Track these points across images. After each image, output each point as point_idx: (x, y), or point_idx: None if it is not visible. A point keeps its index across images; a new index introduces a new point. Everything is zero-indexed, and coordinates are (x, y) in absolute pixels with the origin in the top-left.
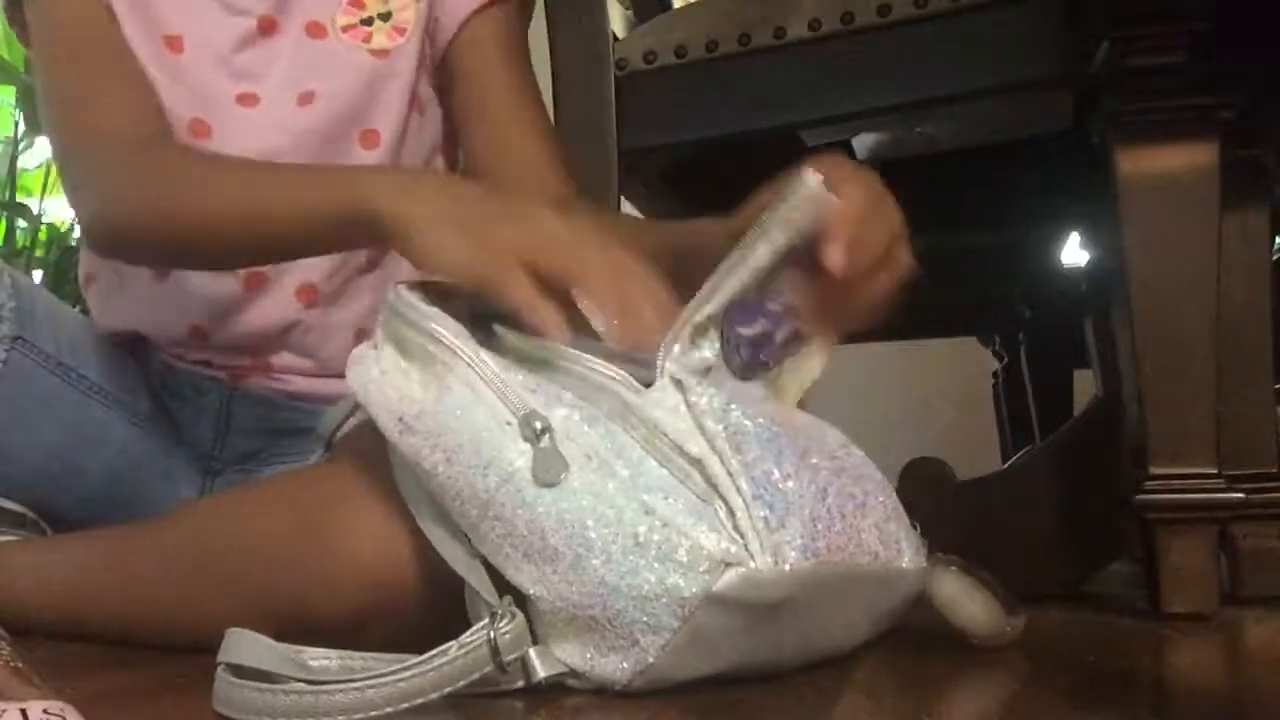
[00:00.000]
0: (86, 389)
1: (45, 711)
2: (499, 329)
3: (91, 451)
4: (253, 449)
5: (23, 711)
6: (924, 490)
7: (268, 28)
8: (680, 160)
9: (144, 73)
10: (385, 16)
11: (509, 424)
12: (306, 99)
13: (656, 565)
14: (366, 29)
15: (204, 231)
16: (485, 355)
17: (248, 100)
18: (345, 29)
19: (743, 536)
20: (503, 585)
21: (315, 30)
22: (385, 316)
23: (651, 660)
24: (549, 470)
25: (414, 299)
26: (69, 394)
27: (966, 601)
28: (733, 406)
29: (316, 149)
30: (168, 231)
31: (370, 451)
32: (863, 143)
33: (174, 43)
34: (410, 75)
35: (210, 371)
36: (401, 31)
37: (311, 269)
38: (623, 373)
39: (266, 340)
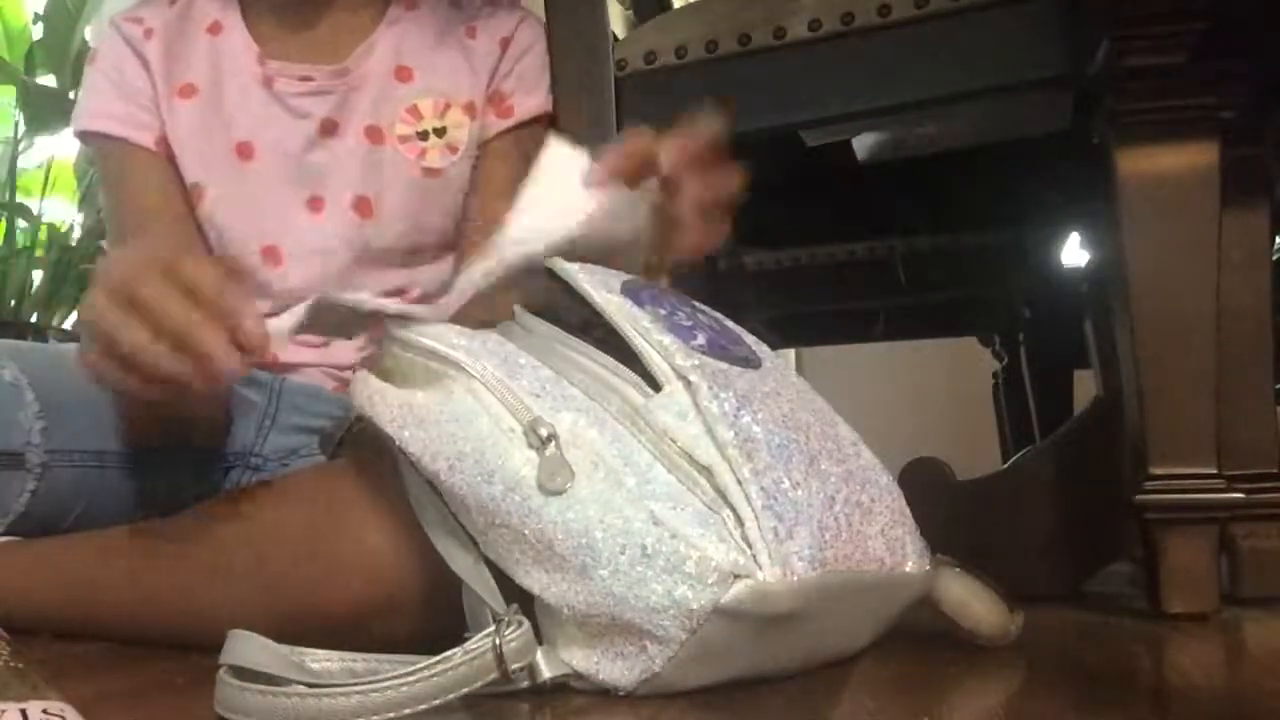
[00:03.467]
0: (125, 463)
1: (45, 712)
2: (519, 315)
3: (136, 512)
4: (294, 445)
5: (23, 712)
6: (924, 490)
7: (329, 129)
8: None
9: (196, 245)
10: (440, 132)
11: (513, 431)
12: (365, 207)
13: (665, 576)
14: (422, 144)
15: None
16: (488, 362)
17: (316, 205)
18: (401, 139)
19: (751, 547)
20: (509, 592)
21: (374, 135)
22: (381, 355)
23: (658, 669)
24: (555, 478)
25: (407, 325)
26: (110, 478)
27: (974, 603)
28: (743, 412)
29: (373, 258)
30: None
31: (379, 452)
32: (863, 143)
33: (245, 149)
34: (460, 194)
35: (271, 361)
36: (455, 150)
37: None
38: (633, 374)
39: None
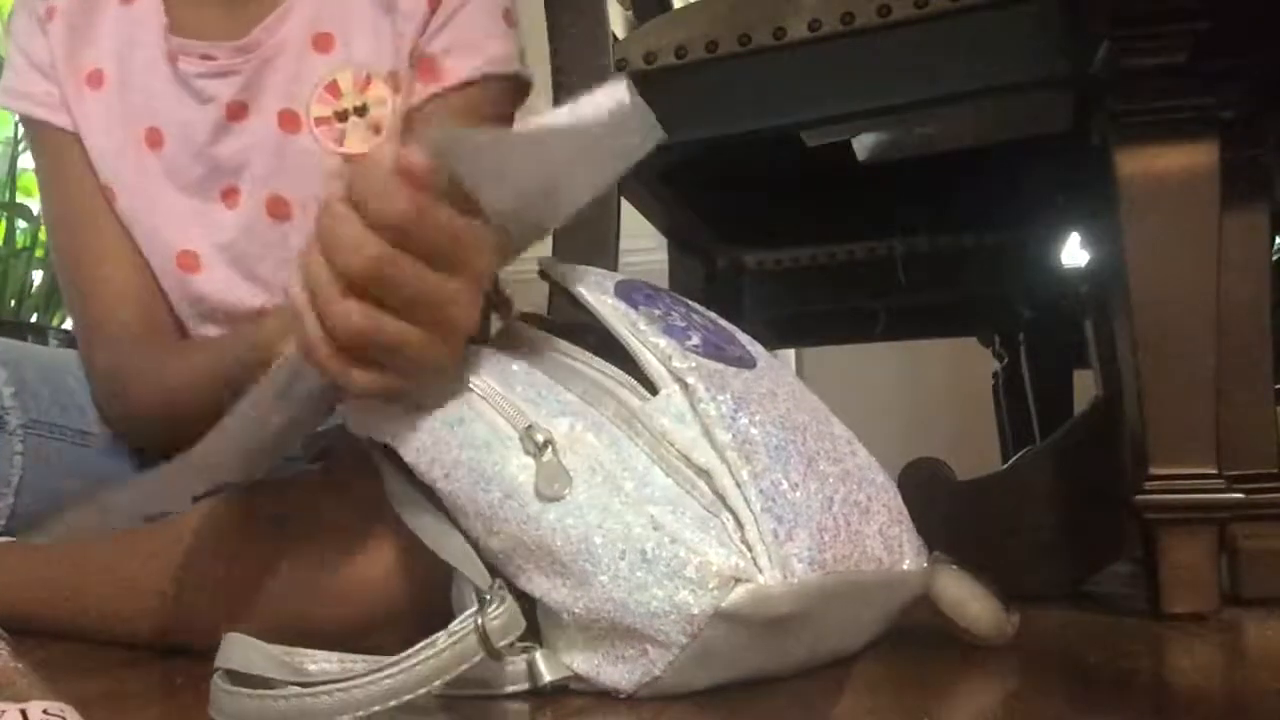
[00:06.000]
0: (105, 448)
1: (45, 712)
2: (512, 323)
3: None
4: None
5: (22, 712)
6: (924, 490)
7: (237, 113)
8: (680, 160)
9: (138, 251)
10: (361, 111)
11: (510, 438)
12: (279, 208)
13: (665, 582)
14: (341, 126)
15: (192, 408)
16: (482, 370)
17: (230, 196)
18: (319, 121)
19: (751, 550)
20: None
21: (288, 121)
22: None
23: (658, 673)
24: (552, 484)
25: None
26: (92, 458)
27: (971, 602)
28: (740, 414)
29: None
30: (163, 414)
31: (360, 466)
32: (863, 143)
33: (154, 137)
34: None
35: None
36: (378, 131)
37: None
38: (629, 377)
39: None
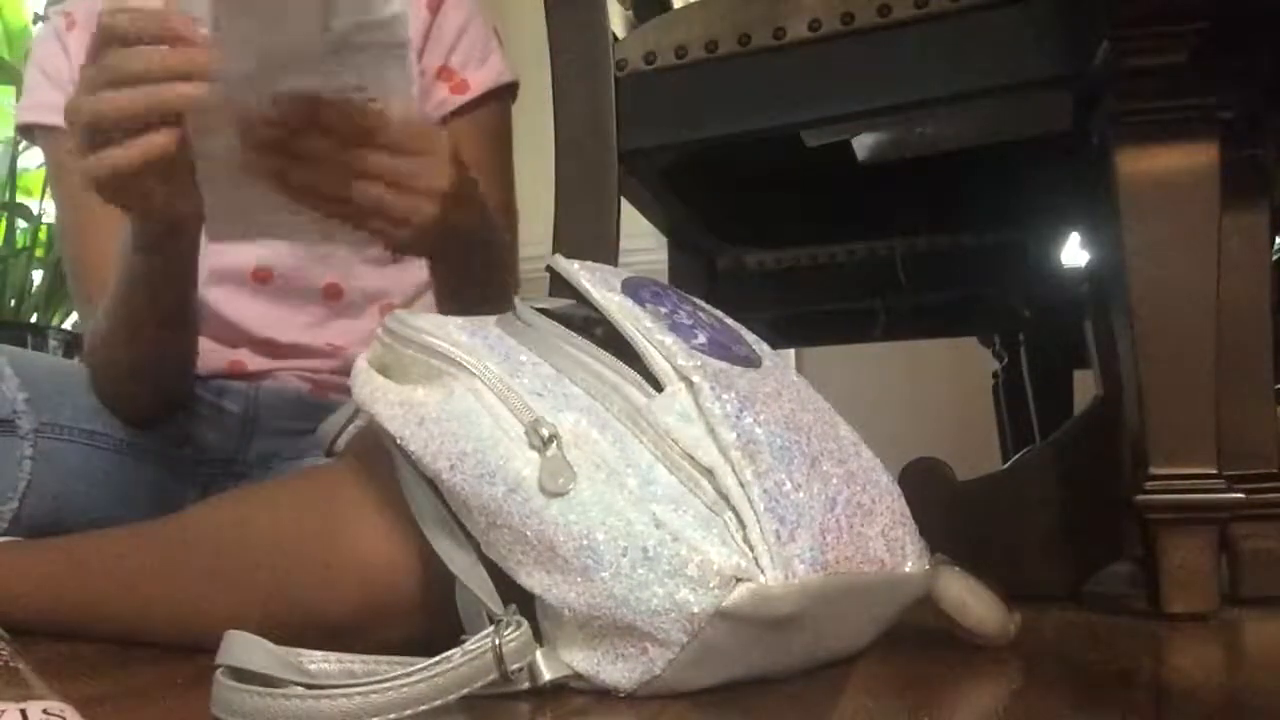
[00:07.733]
0: (115, 448)
1: (45, 712)
2: (520, 309)
3: (131, 503)
4: (275, 449)
5: (22, 712)
6: (924, 490)
7: None
8: (680, 160)
9: None
10: None
11: (515, 432)
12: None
13: (666, 580)
14: None
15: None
16: (489, 359)
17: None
18: None
19: (753, 549)
20: (507, 593)
21: None
22: (377, 348)
23: (658, 672)
24: (556, 479)
25: (408, 318)
26: (100, 459)
27: (974, 603)
28: (745, 413)
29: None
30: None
31: (376, 453)
32: (863, 143)
33: None
34: None
35: (241, 371)
36: None
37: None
38: (635, 374)
39: (294, 339)
